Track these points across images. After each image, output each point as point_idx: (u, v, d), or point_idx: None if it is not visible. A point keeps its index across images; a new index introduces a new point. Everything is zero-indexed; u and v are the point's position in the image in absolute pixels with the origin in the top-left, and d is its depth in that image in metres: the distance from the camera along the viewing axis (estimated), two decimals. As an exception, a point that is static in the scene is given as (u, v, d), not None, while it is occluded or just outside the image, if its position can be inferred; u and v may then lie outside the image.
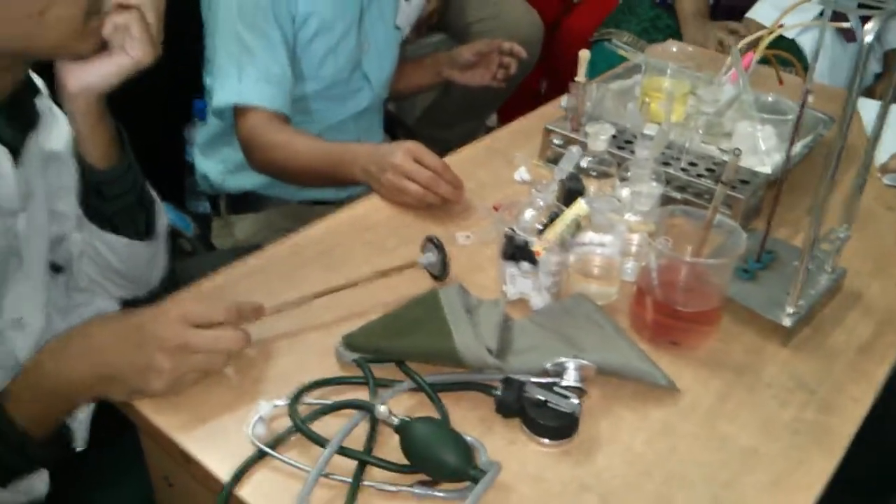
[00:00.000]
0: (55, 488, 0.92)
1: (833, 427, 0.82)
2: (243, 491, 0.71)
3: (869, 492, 1.39)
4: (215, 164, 1.50)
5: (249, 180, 1.48)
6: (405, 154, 1.12)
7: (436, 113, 2.20)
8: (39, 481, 0.89)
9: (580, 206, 0.87)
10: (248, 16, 1.31)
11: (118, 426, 0.87)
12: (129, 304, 1.09)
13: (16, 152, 0.84)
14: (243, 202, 1.51)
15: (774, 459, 0.78)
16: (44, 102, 0.95)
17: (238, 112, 1.35)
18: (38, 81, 0.95)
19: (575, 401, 0.78)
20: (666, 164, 1.11)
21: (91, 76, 0.86)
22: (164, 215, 1.06)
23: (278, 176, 1.40)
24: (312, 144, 1.32)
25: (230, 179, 1.49)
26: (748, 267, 0.98)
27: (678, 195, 1.09)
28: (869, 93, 1.87)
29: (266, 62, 1.33)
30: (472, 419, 0.79)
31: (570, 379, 0.80)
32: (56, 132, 0.97)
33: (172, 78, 1.48)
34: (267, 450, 0.73)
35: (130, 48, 0.85)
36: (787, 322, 0.91)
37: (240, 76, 1.32)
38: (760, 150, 1.15)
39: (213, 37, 1.36)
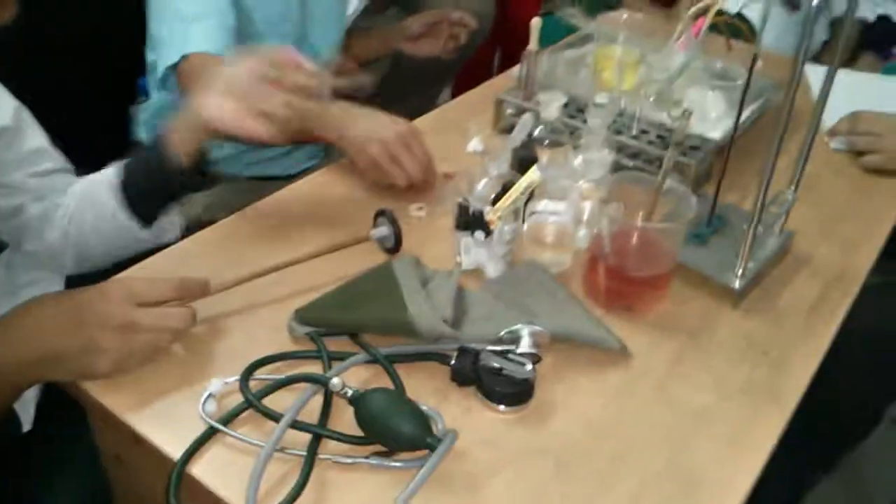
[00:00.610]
0: (3, 473, 0.90)
1: (784, 385, 0.83)
2: (196, 469, 0.70)
3: (817, 452, 1.43)
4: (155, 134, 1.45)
5: None
6: (398, 136, 1.09)
7: (387, 87, 2.17)
8: None
9: (533, 174, 0.86)
10: None
11: (64, 405, 0.85)
12: (74, 282, 1.06)
13: None
14: None
15: (728, 419, 0.79)
16: None
17: (182, 68, 1.23)
18: None
19: (529, 367, 0.78)
20: (618, 132, 1.11)
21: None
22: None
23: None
24: None
25: None
26: (699, 232, 0.98)
27: (630, 162, 1.10)
28: (816, 60, 1.89)
29: (212, 15, 1.24)
30: (427, 389, 0.79)
31: (524, 346, 0.80)
32: (3, 107, 0.94)
33: (116, 57, 1.44)
34: (218, 426, 0.72)
35: None
36: (737, 284, 0.92)
37: (185, 33, 1.22)
38: (710, 116, 1.15)
39: (150, 5, 1.30)
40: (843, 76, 0.98)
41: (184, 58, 1.21)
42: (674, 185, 0.89)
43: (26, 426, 0.93)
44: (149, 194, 0.95)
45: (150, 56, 1.40)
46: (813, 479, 1.55)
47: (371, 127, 1.11)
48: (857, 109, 1.27)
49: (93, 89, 1.42)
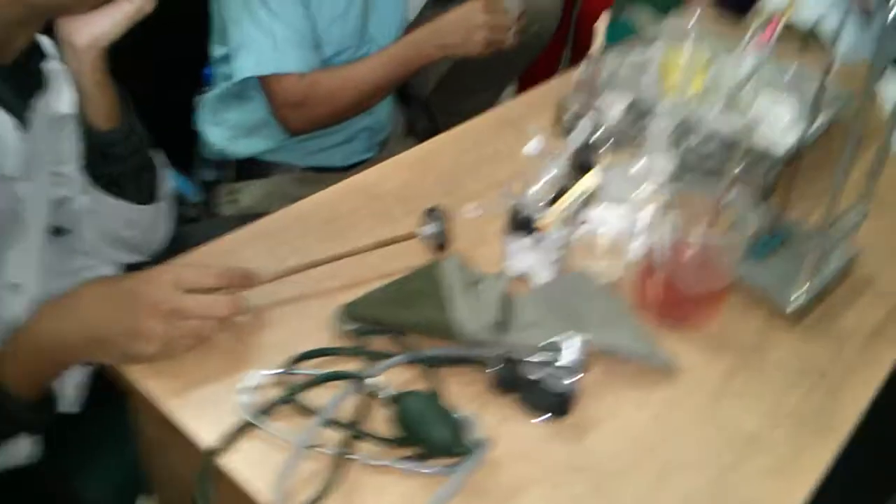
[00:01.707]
0: (48, 451, 0.92)
1: (838, 412, 0.80)
2: (228, 460, 0.70)
3: (867, 488, 1.37)
4: (222, 130, 1.48)
5: (255, 146, 1.46)
6: (475, 10, 1.27)
7: (451, 83, 2.16)
8: (25, 444, 0.89)
9: (590, 180, 0.84)
10: None
11: (113, 389, 0.86)
12: (131, 269, 1.08)
13: (21, 118, 0.83)
14: (249, 169, 1.50)
15: (777, 443, 0.76)
16: (52, 65, 0.94)
17: (273, 80, 1.33)
18: (47, 44, 0.94)
19: (571, 379, 0.76)
20: (681, 137, 1.08)
21: (99, 28, 0.86)
22: (168, 180, 1.05)
23: (344, 116, 1.41)
24: (369, 66, 1.35)
25: (235, 145, 1.47)
26: (760, 246, 0.95)
27: (692, 170, 1.06)
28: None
29: (295, 26, 1.31)
30: (467, 394, 0.78)
31: (568, 357, 0.78)
32: (65, 95, 0.96)
33: (182, 47, 1.47)
34: (252, 420, 0.72)
35: None
36: (796, 304, 0.88)
37: (274, 44, 1.30)
38: (779, 125, 1.11)
39: (228, 6, 1.33)
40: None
41: (274, 74, 1.32)
42: (736, 197, 0.86)
43: (66, 407, 0.95)
44: None
45: (217, 51, 1.42)
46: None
47: (457, 26, 1.29)
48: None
49: (158, 79, 1.45)
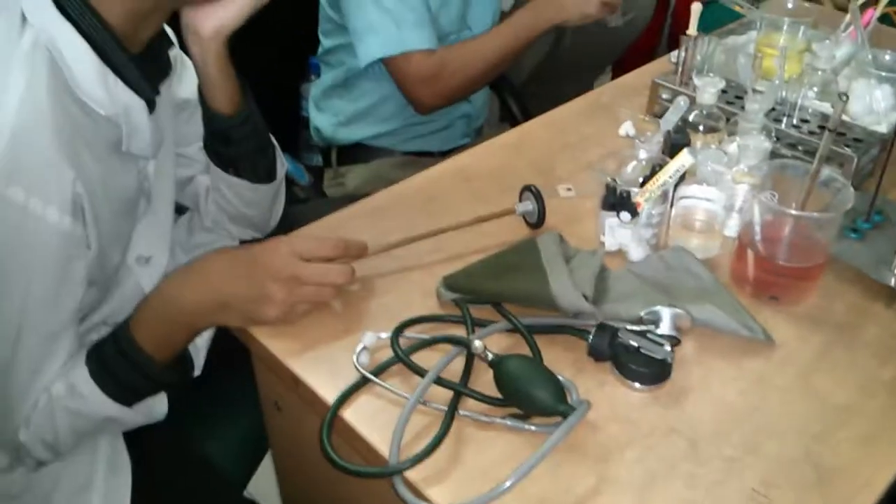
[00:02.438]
0: (172, 412, 1.00)
1: (934, 388, 0.80)
2: (347, 413, 0.76)
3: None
4: (328, 117, 1.55)
5: (360, 132, 1.53)
6: None
7: (545, 70, 2.19)
8: (159, 403, 0.97)
9: (684, 158, 0.87)
10: None
11: (233, 354, 0.93)
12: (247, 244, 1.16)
13: (151, 103, 0.91)
14: (352, 154, 1.57)
15: (869, 416, 0.77)
16: (175, 52, 1.02)
17: (401, 59, 1.38)
18: (171, 34, 1.01)
19: (668, 348, 0.79)
20: (777, 120, 1.09)
21: (223, 16, 0.91)
22: (284, 161, 1.11)
23: (474, 88, 1.47)
24: (493, 36, 1.41)
25: (341, 131, 1.54)
26: (857, 226, 0.96)
27: (788, 152, 1.07)
28: None
29: (415, 6, 1.36)
30: (564, 360, 0.82)
31: (664, 327, 0.81)
32: (186, 80, 1.03)
33: (289, 38, 1.54)
34: (370, 376, 0.78)
35: None
36: (893, 282, 0.89)
37: (398, 24, 1.35)
38: (877, 109, 1.11)
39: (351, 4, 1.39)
40: None
41: (402, 54, 1.37)
42: (832, 176, 0.87)
43: (197, 371, 1.03)
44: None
45: (326, 42, 1.49)
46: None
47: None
48: None
49: (267, 68, 1.53)
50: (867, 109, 1.11)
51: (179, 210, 1.14)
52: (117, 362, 0.86)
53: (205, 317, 0.87)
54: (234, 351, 0.91)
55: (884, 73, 1.12)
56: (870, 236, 0.95)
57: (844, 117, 1.12)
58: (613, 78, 2.48)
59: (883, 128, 1.08)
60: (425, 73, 1.37)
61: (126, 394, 0.89)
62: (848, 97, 0.83)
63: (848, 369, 0.82)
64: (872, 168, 1.08)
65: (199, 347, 1.03)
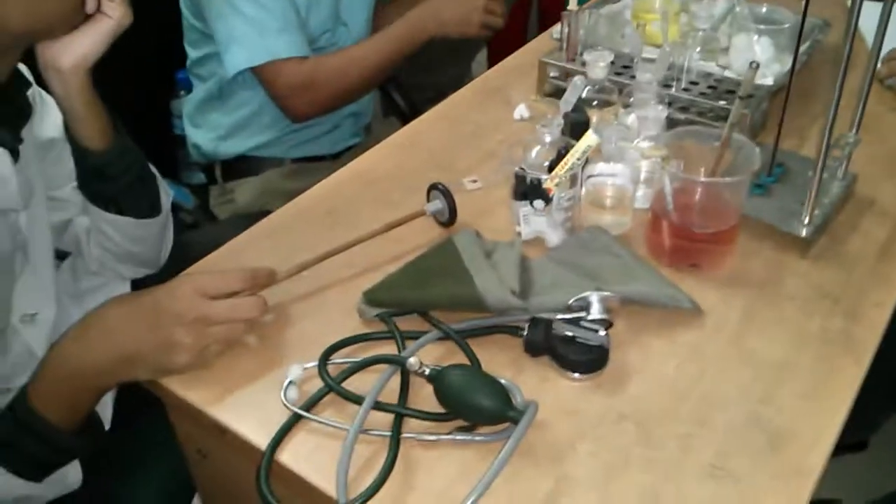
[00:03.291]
0: (86, 473, 0.92)
1: (859, 333, 0.82)
2: (284, 456, 0.71)
3: (885, 390, 1.41)
4: (206, 133, 1.47)
5: (242, 144, 1.46)
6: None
7: (420, 58, 2.16)
8: (73, 471, 0.89)
9: (590, 138, 0.85)
10: None
11: (142, 403, 0.86)
12: (139, 284, 1.08)
13: (14, 150, 0.82)
14: (238, 167, 1.49)
15: (806, 370, 0.78)
16: (34, 91, 0.93)
17: (270, 68, 1.32)
18: (25, 72, 0.92)
19: (603, 333, 0.77)
20: (666, 85, 1.09)
21: (82, 48, 0.85)
22: (168, 190, 1.04)
23: (349, 98, 1.42)
24: (372, 45, 1.38)
25: (222, 145, 1.47)
26: (760, 181, 0.97)
27: (681, 116, 1.08)
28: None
29: (280, 12, 1.30)
30: (501, 361, 0.79)
31: (595, 312, 0.79)
32: (49, 119, 0.95)
33: (151, 53, 1.45)
34: (302, 412, 0.73)
35: (110, 11, 0.85)
36: (804, 233, 0.90)
37: (262, 33, 1.29)
38: (759, 61, 1.12)
39: (208, 5, 1.31)
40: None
41: (270, 62, 1.31)
42: (735, 137, 0.87)
43: (107, 426, 0.95)
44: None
45: (192, 54, 1.41)
46: (878, 417, 1.54)
47: (460, 6, 1.37)
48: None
49: (131, 87, 1.44)
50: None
51: (60, 256, 1.05)
52: (19, 436, 0.79)
53: (110, 375, 0.80)
54: (143, 394, 0.84)
55: (762, 26, 1.14)
56: (774, 190, 0.96)
57: (729, 74, 1.13)
58: (490, 58, 2.48)
59: (769, 80, 1.10)
60: (296, 81, 1.33)
61: (34, 469, 0.82)
62: (758, 65, 0.84)
63: (777, 326, 0.83)
64: (764, 120, 1.10)
65: (106, 402, 0.96)
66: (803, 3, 0.89)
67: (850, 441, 1.57)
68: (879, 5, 0.87)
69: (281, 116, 1.41)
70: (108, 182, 0.95)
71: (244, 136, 1.44)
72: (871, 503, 1.34)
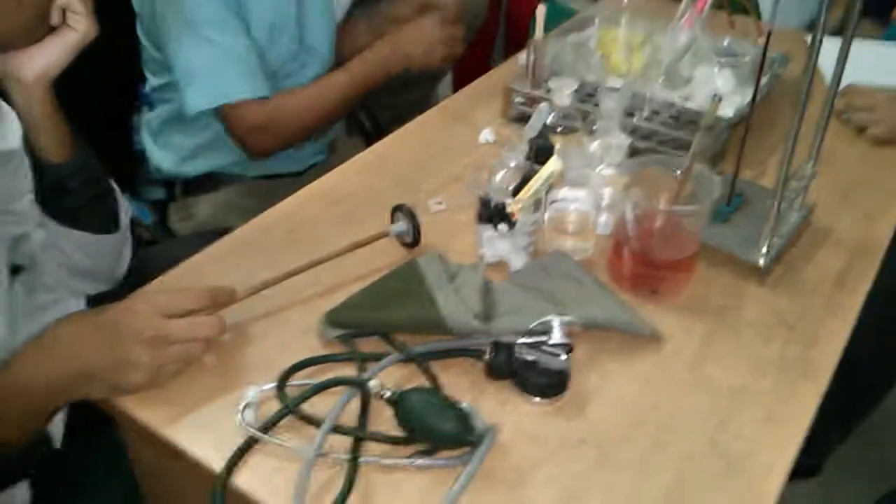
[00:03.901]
0: (36, 492, 0.89)
1: (816, 359, 0.83)
2: (240, 479, 0.70)
3: (838, 413, 1.44)
4: (168, 154, 1.45)
5: (205, 164, 1.44)
6: (434, 24, 1.34)
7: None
8: (20, 491, 0.87)
9: (554, 163, 0.86)
10: (206, 13, 1.26)
11: (94, 421, 0.84)
12: (95, 300, 1.06)
13: None
14: (199, 184, 1.48)
15: (764, 396, 0.79)
16: None
17: (230, 109, 1.30)
18: None
19: (564, 357, 0.77)
20: (630, 114, 1.10)
21: (45, 60, 0.85)
22: (127, 206, 1.03)
23: (310, 134, 1.40)
24: (334, 83, 1.35)
25: (185, 166, 1.45)
26: (720, 210, 0.98)
27: (642, 144, 1.09)
28: (809, 29, 1.88)
29: (239, 53, 1.29)
30: (462, 384, 0.79)
31: (556, 336, 0.80)
32: (9, 130, 0.93)
33: (114, 66, 1.43)
34: (259, 434, 0.72)
35: (76, 23, 0.85)
36: (762, 261, 0.92)
37: (222, 74, 1.28)
38: (721, 93, 1.15)
39: (164, 38, 1.30)
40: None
41: (230, 104, 1.30)
42: (696, 167, 0.89)
43: (56, 444, 0.93)
44: None
45: (154, 79, 1.40)
46: (832, 442, 1.56)
47: (417, 39, 1.36)
48: (855, 80, 1.26)
49: (91, 100, 1.41)
50: (711, 95, 1.15)
51: (14, 270, 1.03)
52: None
53: (63, 393, 0.78)
54: (95, 412, 0.82)
55: (723, 59, 1.16)
56: (733, 219, 0.98)
57: (690, 105, 1.15)
58: (455, 81, 2.49)
59: (729, 112, 1.11)
60: (256, 122, 1.31)
61: None
62: (721, 98, 0.85)
63: (735, 352, 0.84)
64: (723, 151, 1.12)
65: (57, 420, 0.93)
66: (764, 37, 0.92)
67: (804, 466, 1.60)
68: (838, 42, 0.90)
69: None
70: (67, 196, 0.93)
71: (207, 157, 1.43)
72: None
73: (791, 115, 0.84)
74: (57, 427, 0.95)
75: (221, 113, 1.32)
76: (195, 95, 1.29)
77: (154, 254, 1.31)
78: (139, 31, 1.38)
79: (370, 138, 1.61)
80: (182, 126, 1.39)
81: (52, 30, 0.85)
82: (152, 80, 1.41)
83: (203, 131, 1.39)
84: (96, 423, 0.85)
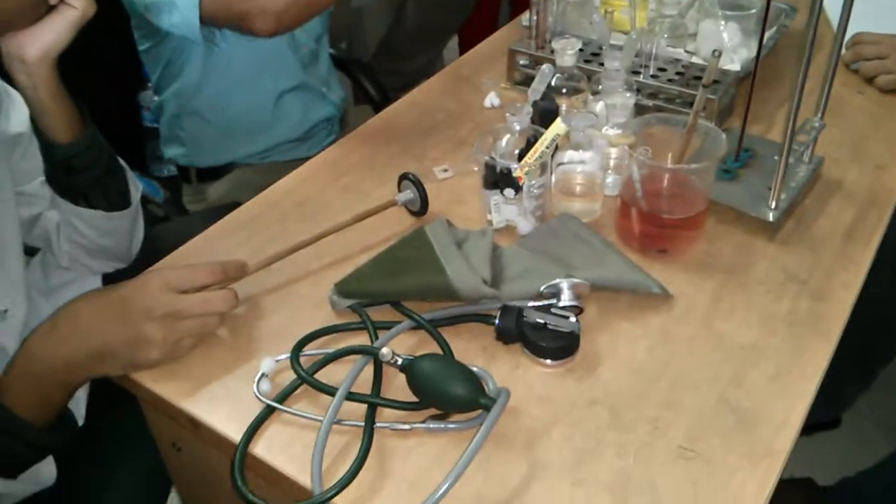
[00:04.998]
0: (62, 470, 0.91)
1: (826, 314, 0.83)
2: (258, 448, 0.71)
3: (853, 365, 1.44)
4: (178, 149, 1.46)
5: (215, 157, 1.45)
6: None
7: (391, 45, 2.15)
8: (46, 468, 0.89)
9: (559, 126, 0.85)
10: None
11: (116, 398, 0.86)
12: (111, 278, 1.07)
13: None
14: (214, 172, 1.48)
15: (774, 352, 0.79)
16: None
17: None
18: None
19: (573, 319, 0.78)
20: (635, 72, 1.09)
21: (47, 39, 0.84)
22: (137, 183, 1.03)
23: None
24: None
25: (197, 159, 1.46)
26: (727, 166, 0.98)
27: (649, 102, 1.08)
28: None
29: None
30: (474, 350, 0.80)
31: (565, 299, 0.80)
32: (15, 114, 0.94)
33: (118, 43, 1.43)
34: (275, 404, 0.73)
35: (74, 1, 0.84)
36: (771, 217, 0.91)
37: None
38: (726, 47, 1.13)
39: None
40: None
41: None
42: (701, 123, 0.88)
43: (79, 421, 0.95)
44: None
45: (143, 43, 1.38)
46: (851, 394, 1.56)
47: None
48: (861, 29, 1.24)
49: (98, 78, 1.42)
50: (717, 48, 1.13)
51: (30, 252, 1.04)
52: None
53: (80, 370, 0.79)
54: (116, 389, 0.84)
55: (729, 12, 1.14)
56: (741, 174, 0.97)
57: (697, 60, 1.14)
58: (461, 45, 2.47)
59: (736, 66, 1.10)
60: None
61: (7, 465, 0.81)
62: (720, 53, 0.84)
63: (746, 309, 0.84)
64: (731, 106, 1.11)
65: (79, 398, 0.95)
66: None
67: (824, 419, 1.61)
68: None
69: (252, 131, 1.40)
70: (76, 175, 0.94)
71: (217, 149, 1.43)
72: (846, 480, 1.37)
73: (798, 67, 0.83)
74: (79, 403, 0.97)
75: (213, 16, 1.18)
76: (173, 17, 1.18)
77: (166, 230, 1.32)
78: (135, 36, 1.37)
79: (377, 106, 1.60)
80: (186, 121, 1.39)
81: (52, 9, 0.85)
82: (144, 44, 1.39)
83: (212, 125, 1.39)
84: (118, 399, 0.86)
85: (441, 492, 0.65)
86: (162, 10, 1.18)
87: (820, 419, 1.59)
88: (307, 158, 1.29)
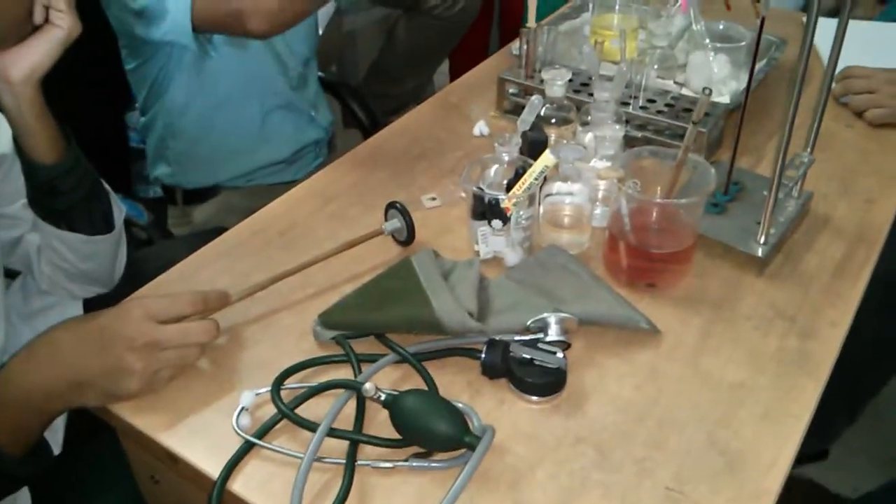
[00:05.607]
0: (37, 501, 0.89)
1: (814, 353, 0.82)
2: (236, 485, 0.69)
3: (841, 398, 1.44)
4: (164, 168, 1.45)
5: (202, 177, 1.44)
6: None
7: (382, 68, 2.15)
8: (22, 498, 0.87)
9: (548, 158, 0.85)
10: None
11: (94, 427, 0.84)
12: (92, 303, 1.06)
13: None
14: (199, 195, 1.47)
15: (762, 391, 0.78)
16: None
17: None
18: None
19: (560, 355, 0.77)
20: (624, 103, 1.09)
21: (31, 59, 0.84)
22: (121, 206, 1.02)
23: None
24: None
25: (183, 179, 1.45)
26: (716, 200, 0.97)
27: (638, 133, 1.08)
28: (803, 9, 1.86)
29: None
30: (459, 384, 0.78)
31: (553, 334, 0.79)
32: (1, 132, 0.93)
33: (104, 63, 1.42)
34: (254, 440, 0.71)
35: (59, 21, 0.84)
36: (760, 252, 0.91)
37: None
38: (716, 79, 1.13)
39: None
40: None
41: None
42: (691, 157, 0.87)
43: (56, 450, 0.93)
44: None
45: (130, 62, 1.38)
46: (838, 426, 1.56)
47: None
48: (851, 62, 1.24)
49: (84, 98, 1.41)
50: (706, 81, 1.13)
51: (11, 275, 1.02)
52: None
53: (58, 400, 0.78)
54: (95, 418, 0.82)
55: (718, 44, 1.15)
56: (730, 209, 0.97)
57: (686, 92, 1.14)
58: (451, 69, 2.47)
59: (725, 98, 1.10)
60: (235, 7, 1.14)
61: None
62: (711, 92, 0.83)
63: (733, 346, 0.83)
64: (720, 138, 1.10)
65: (56, 427, 0.93)
66: (759, 20, 0.90)
67: (812, 450, 1.60)
68: (834, 23, 0.88)
69: (239, 151, 1.39)
70: (59, 197, 0.92)
71: (204, 169, 1.42)
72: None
73: (788, 100, 0.83)
74: (57, 432, 0.95)
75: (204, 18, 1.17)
76: (166, 24, 1.17)
77: (150, 254, 1.30)
78: (123, 58, 1.36)
79: (366, 131, 1.60)
80: (173, 142, 1.38)
81: (37, 29, 0.84)
82: (130, 63, 1.38)
83: (199, 144, 1.38)
84: (97, 429, 0.84)
85: (423, 533, 0.63)
86: (153, 17, 1.17)
87: (808, 451, 1.58)
88: (294, 182, 1.27)
